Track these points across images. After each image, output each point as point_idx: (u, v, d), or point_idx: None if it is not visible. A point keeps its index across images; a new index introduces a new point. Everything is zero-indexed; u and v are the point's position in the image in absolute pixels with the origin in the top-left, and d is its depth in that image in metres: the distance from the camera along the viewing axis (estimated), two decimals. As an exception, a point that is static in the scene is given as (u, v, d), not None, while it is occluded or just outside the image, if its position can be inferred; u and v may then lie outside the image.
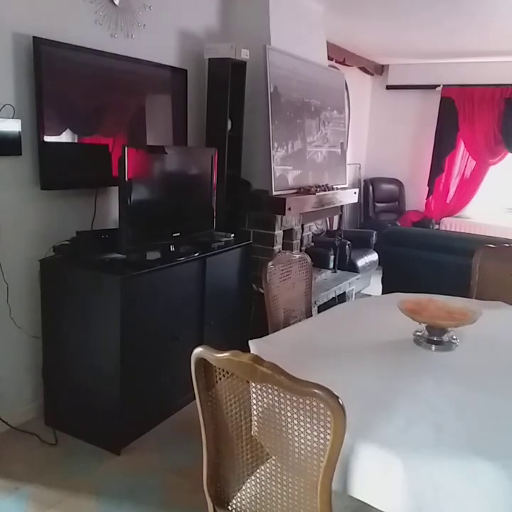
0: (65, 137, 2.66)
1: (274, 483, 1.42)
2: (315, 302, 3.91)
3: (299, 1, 3.94)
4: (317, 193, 3.85)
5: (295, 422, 1.29)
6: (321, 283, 4.30)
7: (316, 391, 1.19)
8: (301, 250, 4.10)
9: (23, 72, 2.45)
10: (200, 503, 1.77)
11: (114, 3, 2.80)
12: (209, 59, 3.38)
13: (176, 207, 2.90)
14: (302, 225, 4.10)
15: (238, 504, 1.53)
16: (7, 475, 2.35)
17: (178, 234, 2.86)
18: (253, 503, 1.49)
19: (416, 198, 6.92)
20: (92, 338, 2.53)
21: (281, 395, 1.29)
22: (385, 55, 6.28)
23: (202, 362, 1.39)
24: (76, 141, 2.72)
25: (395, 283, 3.93)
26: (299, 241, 4.07)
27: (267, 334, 2.23)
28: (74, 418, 2.67)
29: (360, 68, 6.48)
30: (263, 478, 1.45)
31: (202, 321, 3.03)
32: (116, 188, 2.53)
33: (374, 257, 5.40)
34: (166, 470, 2.46)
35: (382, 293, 4.22)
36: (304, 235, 4.29)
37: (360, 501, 1.41)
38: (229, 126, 3.42)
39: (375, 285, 5.20)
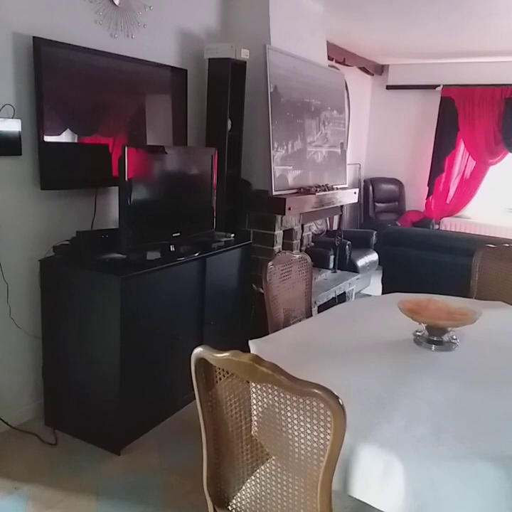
0: (65, 137, 2.66)
1: (274, 483, 1.42)
2: (315, 302, 3.91)
3: (299, 1, 3.94)
4: (317, 193, 3.85)
5: (295, 422, 1.29)
6: (321, 283, 4.30)
7: (316, 391, 1.19)
8: (301, 250, 4.10)
9: (23, 72, 2.44)
10: (200, 503, 1.77)
11: (114, 3, 2.80)
12: (209, 59, 3.38)
13: (176, 207, 2.90)
14: (302, 225, 4.10)
15: (238, 504, 1.53)
16: (7, 475, 2.35)
17: (178, 234, 2.86)
18: (253, 503, 1.49)
19: (416, 198, 6.92)
20: (92, 338, 2.53)
21: (281, 395, 1.29)
22: (385, 55, 6.28)
23: (202, 362, 1.39)
24: (76, 141, 2.72)
25: (395, 283, 3.93)
26: (299, 241, 4.07)
27: (267, 334, 2.23)
28: (74, 418, 2.67)
29: (360, 68, 6.48)
30: (263, 478, 1.45)
31: (202, 321, 3.03)
32: (116, 188, 2.53)
33: (374, 257, 5.40)
34: (166, 470, 2.46)
35: (382, 293, 4.22)
36: (303, 235, 4.29)
37: (360, 501, 1.41)
38: (229, 126, 3.42)
39: (375, 285, 5.20)
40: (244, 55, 3.36)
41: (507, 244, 2.98)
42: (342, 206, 4.50)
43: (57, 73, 2.54)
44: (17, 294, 2.61)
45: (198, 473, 1.61)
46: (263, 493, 1.46)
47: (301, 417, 1.27)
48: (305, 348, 2.04)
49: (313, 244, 4.66)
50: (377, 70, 6.85)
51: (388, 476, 1.34)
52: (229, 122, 3.42)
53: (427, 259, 4.18)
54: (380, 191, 6.88)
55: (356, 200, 4.73)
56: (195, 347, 1.38)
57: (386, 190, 6.94)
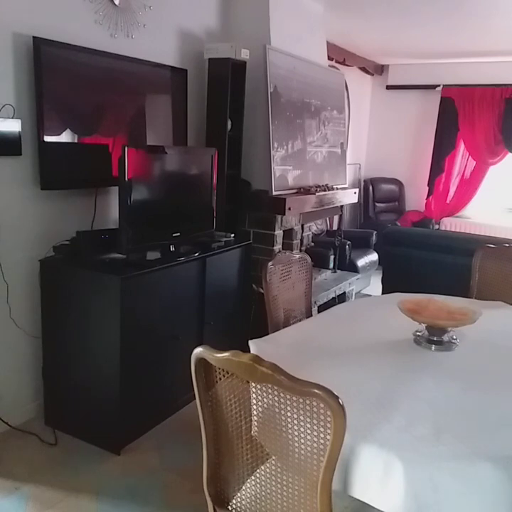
0: (65, 137, 2.66)
1: (274, 483, 1.42)
2: (315, 302, 3.90)
3: (299, 1, 3.94)
4: (317, 193, 3.85)
5: (295, 422, 1.29)
6: (321, 283, 4.30)
7: (316, 391, 1.19)
8: (301, 250, 4.10)
9: (23, 72, 2.44)
10: (200, 503, 1.77)
11: (114, 3, 2.80)
12: (209, 59, 3.38)
13: (176, 207, 2.90)
14: (302, 225, 4.09)
15: (238, 504, 1.53)
16: (7, 475, 2.35)
17: (178, 234, 2.86)
18: (253, 503, 1.49)
19: (416, 198, 6.92)
20: (92, 338, 2.53)
21: (281, 395, 1.29)
22: (385, 55, 6.28)
23: (202, 362, 1.39)
24: (76, 141, 2.72)
25: (395, 283, 3.93)
26: (299, 241, 4.07)
27: (267, 334, 2.23)
28: (74, 418, 2.67)
29: (360, 68, 6.48)
30: (263, 478, 1.45)
31: (202, 321, 3.03)
32: (116, 188, 2.53)
33: (374, 257, 5.40)
34: (166, 470, 2.46)
35: (382, 293, 4.22)
36: (303, 235, 4.28)
37: (360, 501, 1.41)
38: (229, 126, 3.42)
39: (375, 285, 5.20)
40: (244, 55, 3.36)
41: (507, 244, 2.98)
42: (342, 206, 4.50)
43: (57, 73, 2.54)
44: (17, 294, 2.61)
45: (198, 473, 1.60)
46: (263, 493, 1.46)
47: (301, 417, 1.27)
48: (305, 348, 2.04)
49: (313, 244, 4.66)
50: (377, 70, 6.85)
51: (388, 476, 1.34)
52: (229, 122, 3.41)
53: (427, 259, 4.18)
54: (380, 191, 6.88)
55: (356, 200, 4.73)
56: (195, 347, 1.38)
57: (386, 190, 6.94)
